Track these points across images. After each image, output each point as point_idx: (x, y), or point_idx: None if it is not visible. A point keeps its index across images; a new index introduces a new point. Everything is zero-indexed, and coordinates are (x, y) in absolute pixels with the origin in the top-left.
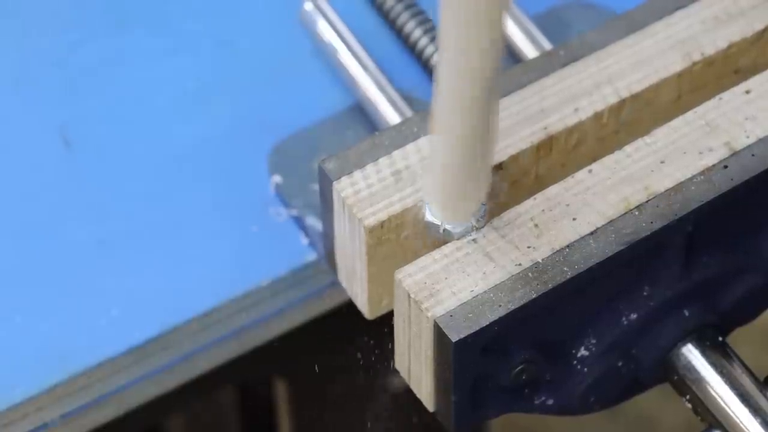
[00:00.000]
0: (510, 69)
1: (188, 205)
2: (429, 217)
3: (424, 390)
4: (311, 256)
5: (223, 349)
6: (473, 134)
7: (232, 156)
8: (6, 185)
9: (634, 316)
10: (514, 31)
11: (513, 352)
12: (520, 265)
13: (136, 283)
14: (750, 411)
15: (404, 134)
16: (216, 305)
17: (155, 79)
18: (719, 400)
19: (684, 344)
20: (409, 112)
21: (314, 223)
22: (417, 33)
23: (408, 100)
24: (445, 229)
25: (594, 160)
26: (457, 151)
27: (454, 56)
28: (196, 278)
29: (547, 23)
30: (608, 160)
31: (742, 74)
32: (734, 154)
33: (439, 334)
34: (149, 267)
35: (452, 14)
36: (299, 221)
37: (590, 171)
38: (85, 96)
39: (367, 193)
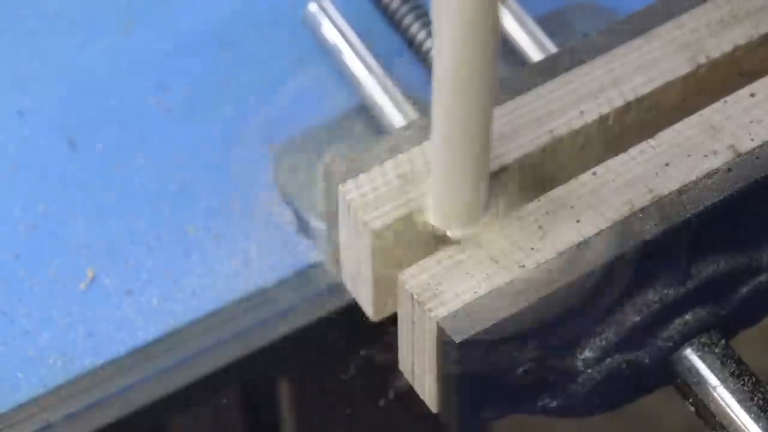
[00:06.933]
0: (515, 72)
1: (192, 206)
2: (433, 219)
3: (428, 391)
4: (315, 257)
5: (227, 351)
6: (469, 137)
7: (237, 157)
8: (11, 186)
9: (637, 318)
10: (518, 34)
11: (516, 353)
12: (523, 266)
13: (141, 285)
14: (753, 415)
15: (409, 137)
16: (220, 306)
17: (160, 81)
18: (722, 403)
19: (687, 347)
20: (413, 114)
21: (318, 224)
22: (422, 34)
23: (412, 101)
24: (448, 231)
25: (599, 162)
26: (454, 154)
27: (450, 58)
28: (200, 279)
29: (552, 25)
30: (613, 162)
31: (747, 77)
32: (739, 156)
33: (443, 336)
34: (153, 268)
35: (446, 15)
36: (303, 223)
37: (594, 173)
38: (91, 97)
39: (372, 197)
